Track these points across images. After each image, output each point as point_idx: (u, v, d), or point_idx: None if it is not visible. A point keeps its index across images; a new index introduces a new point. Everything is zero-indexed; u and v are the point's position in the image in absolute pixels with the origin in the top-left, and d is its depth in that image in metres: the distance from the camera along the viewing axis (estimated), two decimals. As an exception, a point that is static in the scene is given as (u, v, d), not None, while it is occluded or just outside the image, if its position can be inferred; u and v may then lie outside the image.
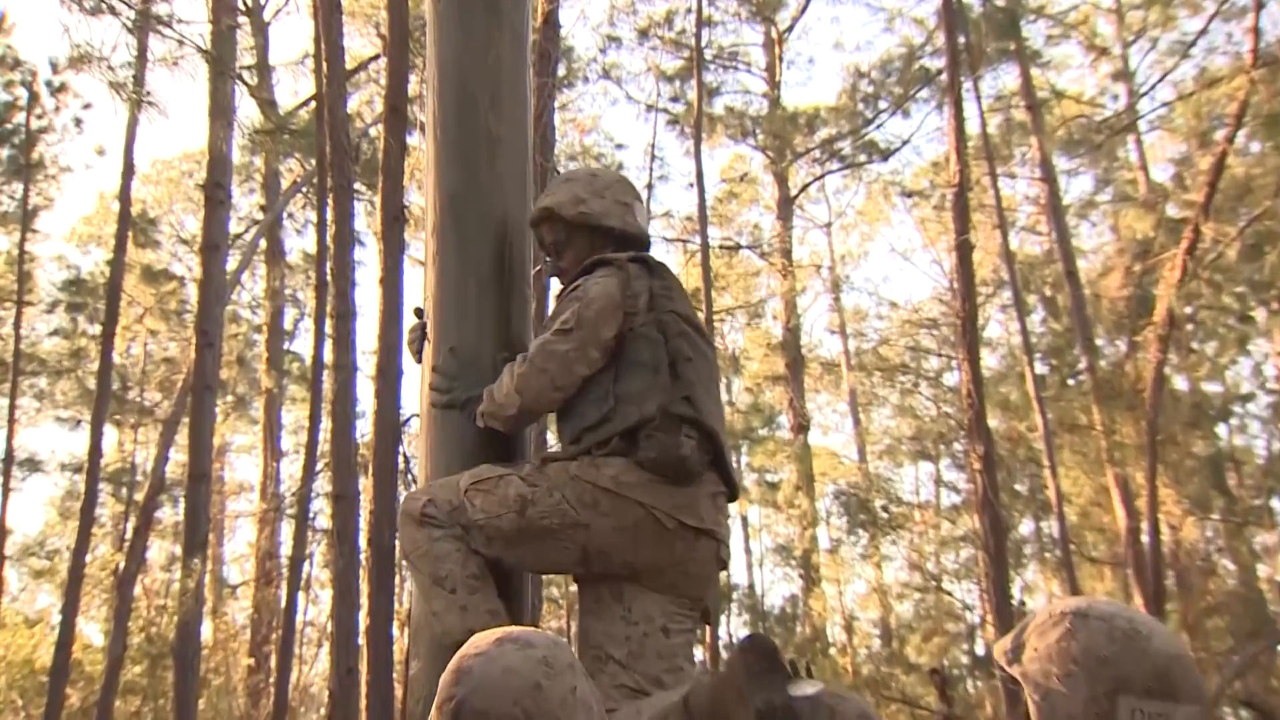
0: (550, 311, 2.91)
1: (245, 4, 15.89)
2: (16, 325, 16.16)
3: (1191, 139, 14.18)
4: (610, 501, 2.63)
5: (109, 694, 12.47)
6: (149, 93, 9.79)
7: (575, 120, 19.84)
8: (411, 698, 2.87)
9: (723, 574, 2.96)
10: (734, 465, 3.04)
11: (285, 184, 19.34)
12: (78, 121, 16.13)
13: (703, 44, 17.77)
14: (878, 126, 19.48)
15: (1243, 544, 16.12)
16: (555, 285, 3.21)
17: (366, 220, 18.72)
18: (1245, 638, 13.42)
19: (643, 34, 19.34)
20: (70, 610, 12.51)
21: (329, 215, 9.89)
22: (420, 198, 15.60)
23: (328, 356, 9.43)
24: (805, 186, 21.33)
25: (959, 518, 20.38)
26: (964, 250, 11.62)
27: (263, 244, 18.83)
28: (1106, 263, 16.55)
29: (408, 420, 10.24)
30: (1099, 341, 15.22)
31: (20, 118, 16.06)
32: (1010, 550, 14.76)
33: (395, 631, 8.92)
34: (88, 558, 13.62)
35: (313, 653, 20.80)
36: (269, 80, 16.16)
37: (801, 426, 18.78)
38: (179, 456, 16.12)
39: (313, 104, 14.40)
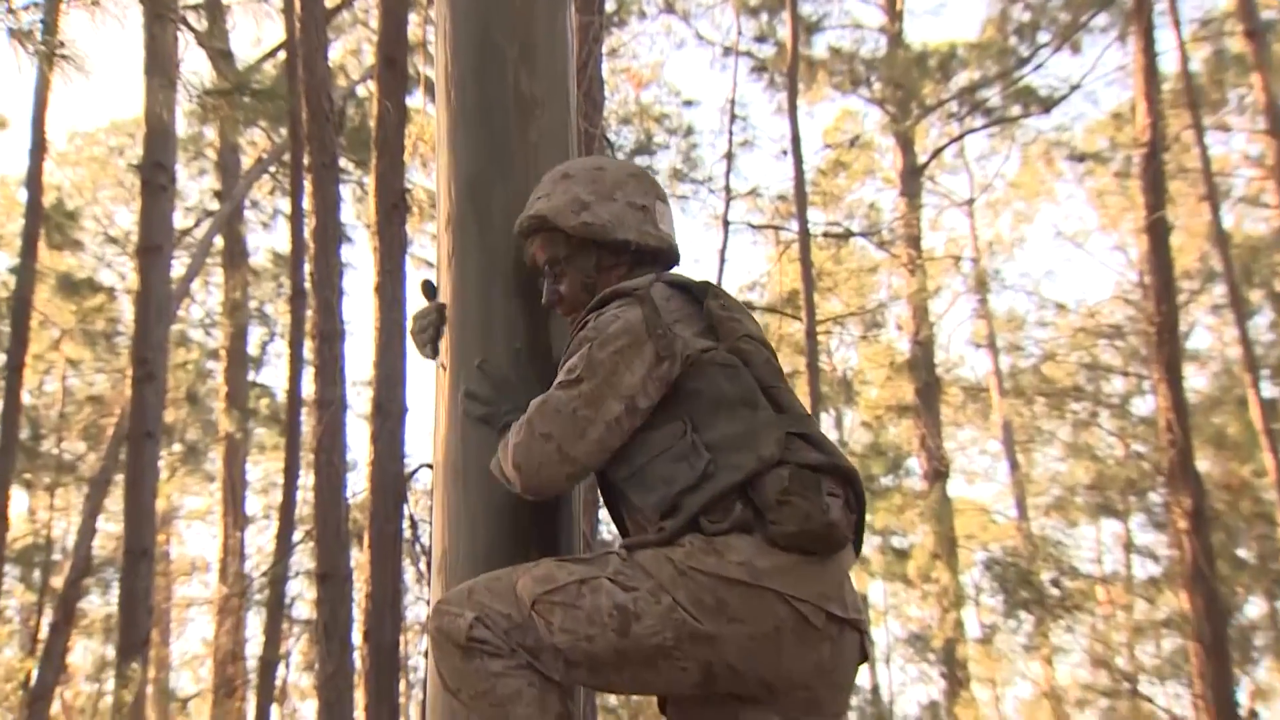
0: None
1: (191, -75, 16.19)
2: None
3: None
4: (742, 599, 2.57)
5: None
6: (63, 44, 9.94)
7: (629, 70, 19.94)
8: None
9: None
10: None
11: (247, 162, 19.61)
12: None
13: (797, -37, 17.83)
14: (1037, 67, 19.41)
15: None
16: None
17: (356, 209, 18.99)
18: None
19: (717, -50, 19.47)
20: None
21: (306, 203, 10.05)
22: (427, 179, 15.76)
23: (308, 390, 9.54)
24: (938, 152, 21.24)
25: (1159, 595, 20.10)
26: (1158, 232, 11.53)
27: (219, 242, 19.10)
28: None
29: (414, 472, 10.36)
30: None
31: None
32: (1233, 640, 14.53)
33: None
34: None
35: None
36: (223, 23, 16.40)
37: (938, 473, 18.67)
38: (111, 527, 16.35)
39: (282, 55, 14.64)
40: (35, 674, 14.43)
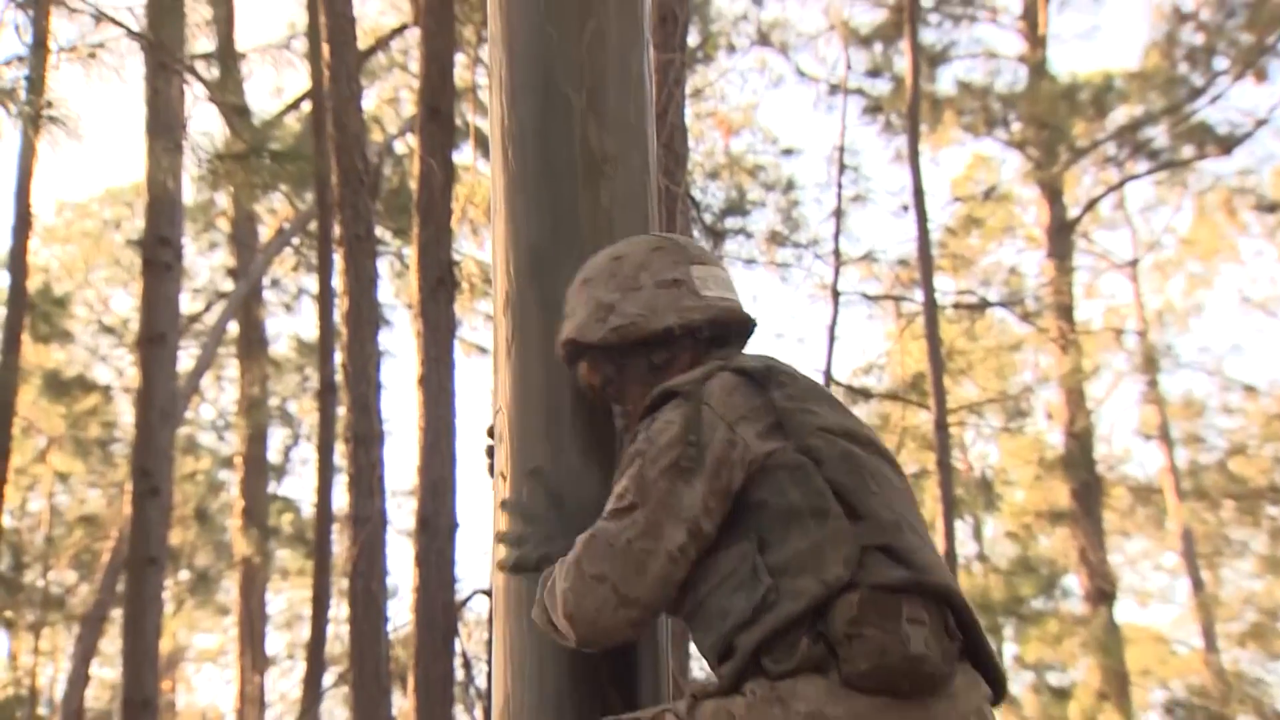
0: None
1: (199, -41, 16.54)
2: None
3: None
4: None
5: None
6: (51, 103, 10.14)
7: (717, 115, 20.08)
8: None
9: None
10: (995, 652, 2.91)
11: (266, 235, 19.88)
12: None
13: (917, -17, 17.95)
14: (1213, 100, 19.35)
15: None
16: None
17: (395, 286, 19.18)
18: None
19: (820, -28, 19.65)
20: None
21: (336, 281, 10.19)
22: (479, 249, 15.86)
23: (340, 503, 9.62)
24: (1093, 203, 21.22)
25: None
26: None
27: (233, 329, 19.34)
28: None
29: (467, 600, 10.39)
30: None
31: None
32: None
33: None
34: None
35: None
36: (237, 73, 16.68)
37: (1103, 593, 18.50)
38: (107, 672, 16.45)
39: (307, 107, 14.87)
40: None
